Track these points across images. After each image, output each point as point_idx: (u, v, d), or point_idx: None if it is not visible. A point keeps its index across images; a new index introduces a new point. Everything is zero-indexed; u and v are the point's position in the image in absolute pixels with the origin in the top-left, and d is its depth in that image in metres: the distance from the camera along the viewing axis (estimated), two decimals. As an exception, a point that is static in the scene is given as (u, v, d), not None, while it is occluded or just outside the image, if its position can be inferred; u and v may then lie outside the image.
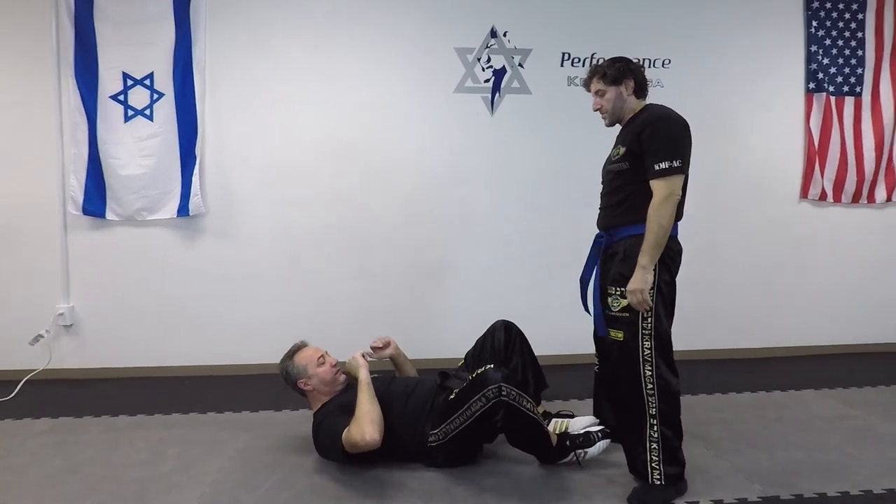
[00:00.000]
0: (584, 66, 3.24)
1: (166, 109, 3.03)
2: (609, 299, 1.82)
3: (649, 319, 1.73)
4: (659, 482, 1.70)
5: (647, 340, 1.73)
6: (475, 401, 1.76)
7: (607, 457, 1.93)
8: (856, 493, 1.74)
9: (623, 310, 1.76)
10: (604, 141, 3.12)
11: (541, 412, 2.03)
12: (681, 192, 1.73)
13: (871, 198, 3.41)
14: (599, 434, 1.94)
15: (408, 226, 3.22)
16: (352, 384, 2.06)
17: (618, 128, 2.02)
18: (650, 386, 1.71)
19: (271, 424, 2.39)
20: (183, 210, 3.03)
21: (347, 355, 2.11)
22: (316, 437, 1.96)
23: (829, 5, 3.31)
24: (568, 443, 1.92)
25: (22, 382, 2.89)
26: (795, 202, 3.42)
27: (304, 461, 2.01)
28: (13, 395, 2.77)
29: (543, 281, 3.30)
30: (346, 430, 1.81)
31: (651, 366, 1.72)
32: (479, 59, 3.19)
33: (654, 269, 1.71)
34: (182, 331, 3.14)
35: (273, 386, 2.87)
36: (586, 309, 2.09)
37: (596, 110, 1.99)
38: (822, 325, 3.46)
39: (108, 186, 3.01)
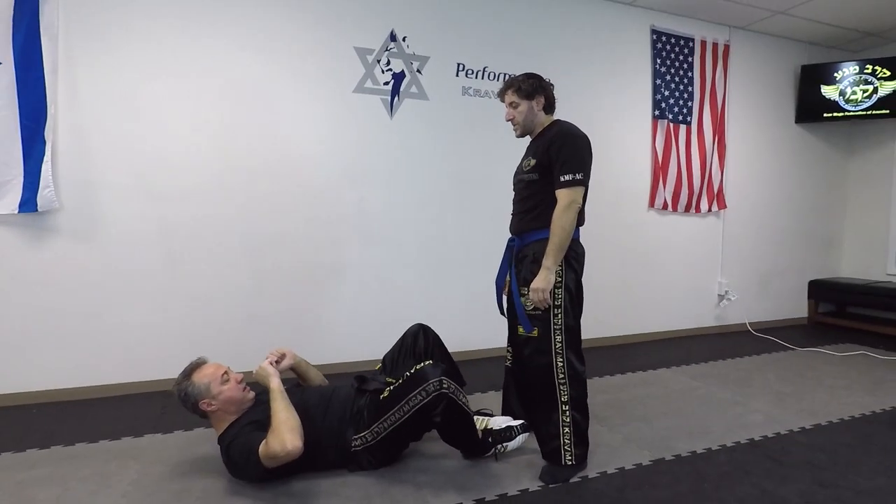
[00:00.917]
0: (476, 78, 3.44)
1: (3, 82, 2.49)
2: (522, 299, 1.98)
3: (559, 315, 1.92)
4: (570, 462, 1.90)
5: (558, 334, 1.92)
6: (414, 395, 1.78)
7: (525, 445, 2.09)
8: (716, 448, 2.14)
9: (535, 308, 1.93)
10: (495, 150, 3.43)
11: None
12: (582, 201, 1.95)
13: (697, 208, 4.17)
14: (519, 428, 2.09)
15: (301, 225, 3.08)
16: (261, 399, 1.94)
17: (522, 139, 2.18)
18: (561, 375, 1.91)
19: (164, 449, 2.12)
20: (28, 205, 2.51)
21: (234, 365, 1.99)
22: (228, 458, 1.80)
23: (668, 47, 3.98)
24: (490, 438, 2.03)
25: None
26: (645, 210, 4.03)
27: (216, 484, 1.83)
28: None
29: (435, 282, 3.41)
30: (263, 444, 1.70)
31: (562, 357, 1.92)
32: (378, 61, 3.19)
33: (559, 270, 1.91)
34: (27, 350, 2.60)
35: (151, 406, 2.59)
36: (501, 311, 2.23)
37: (508, 120, 2.11)
38: (666, 313, 4.12)
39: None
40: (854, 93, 4.30)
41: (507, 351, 2.27)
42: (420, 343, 2.21)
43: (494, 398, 2.57)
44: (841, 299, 4.65)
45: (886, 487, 1.84)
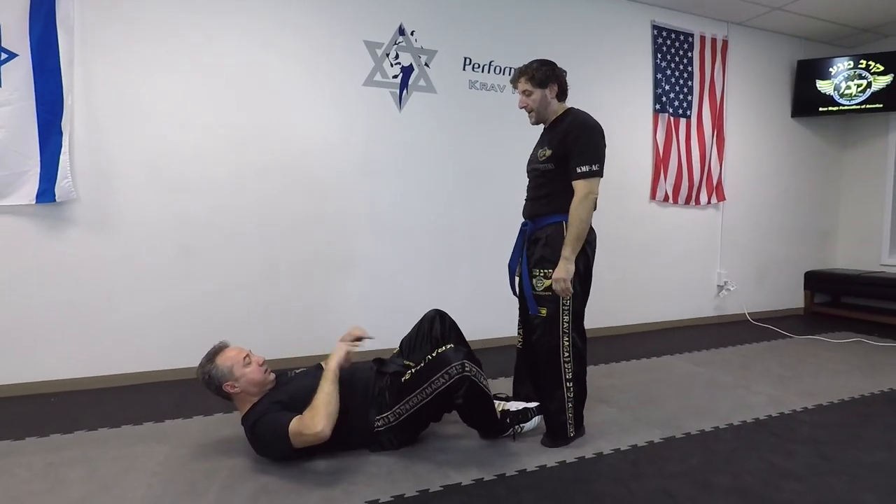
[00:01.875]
0: (483, 71, 3.50)
1: (20, 73, 2.51)
2: (534, 280, 2.05)
3: (569, 298, 2.00)
4: (572, 434, 2.03)
5: (566, 316, 2.00)
6: (437, 378, 1.84)
7: (541, 425, 2.15)
8: (723, 426, 2.21)
9: (546, 289, 2.01)
10: (502, 143, 3.49)
11: None
12: (597, 192, 2.02)
13: (697, 200, 4.25)
14: (535, 410, 2.15)
15: (312, 217, 3.12)
16: (281, 381, 2.01)
17: (529, 130, 2.23)
18: (567, 354, 2.00)
19: (186, 432, 2.16)
20: (46, 195, 2.54)
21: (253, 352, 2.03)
22: (254, 435, 1.85)
23: (668, 42, 4.05)
24: (508, 419, 2.10)
25: None
26: (646, 203, 4.11)
27: (244, 463, 1.88)
28: None
29: (445, 272, 3.47)
30: (296, 418, 1.76)
31: (569, 337, 2.00)
32: (387, 55, 3.24)
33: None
34: (45, 340, 2.63)
35: (170, 393, 2.63)
36: (514, 293, 2.30)
37: (522, 108, 2.16)
38: (666, 304, 4.21)
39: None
40: (848, 87, 4.41)
41: (519, 333, 2.33)
42: (437, 328, 2.26)
43: (504, 384, 2.63)
44: (836, 289, 4.76)
45: (886, 461, 1.92)
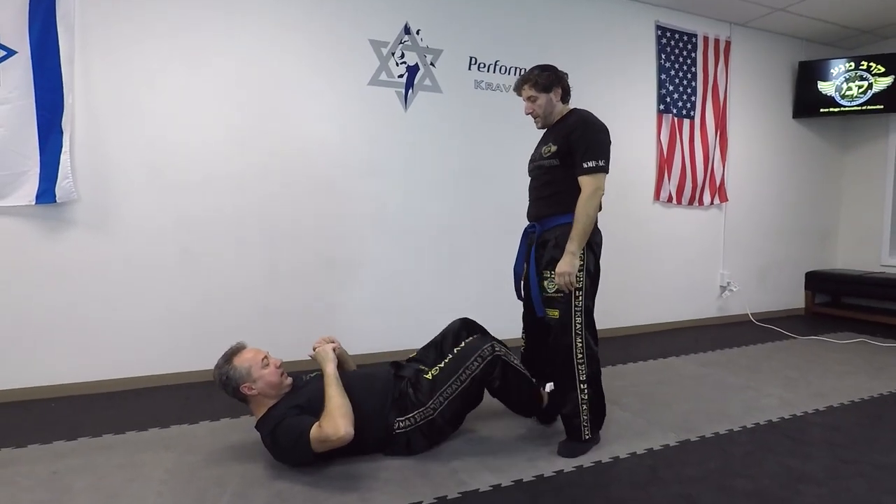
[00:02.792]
0: (488, 71, 3.48)
1: (19, 71, 2.45)
2: (545, 282, 2.03)
3: (580, 298, 1.97)
4: (588, 437, 1.98)
5: (578, 316, 1.98)
6: (471, 363, 1.88)
7: (558, 427, 2.13)
8: (737, 429, 2.20)
9: (557, 290, 1.98)
10: (507, 142, 3.46)
11: None
12: (604, 188, 2.00)
13: (700, 201, 4.25)
14: None
15: (316, 217, 3.08)
16: (297, 385, 1.98)
17: (531, 131, 2.22)
18: (580, 356, 1.97)
19: (193, 438, 2.12)
20: (47, 196, 2.48)
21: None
22: (273, 440, 1.81)
23: (672, 43, 4.05)
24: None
25: None
26: (650, 203, 4.10)
27: (255, 470, 1.84)
28: None
29: (449, 273, 3.44)
30: (315, 427, 1.73)
31: (581, 338, 1.98)
32: (393, 54, 3.20)
33: (581, 254, 1.96)
34: (44, 344, 2.57)
35: (174, 397, 2.58)
36: (519, 296, 2.27)
37: (528, 114, 2.15)
38: (670, 304, 4.20)
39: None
40: (849, 88, 4.42)
41: (522, 337, 2.31)
42: (463, 335, 2.21)
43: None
44: (836, 290, 4.78)
45: (904, 462, 1.92)
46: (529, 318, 2.22)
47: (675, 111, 4.07)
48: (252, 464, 1.88)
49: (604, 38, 3.82)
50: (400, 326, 3.27)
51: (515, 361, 1.96)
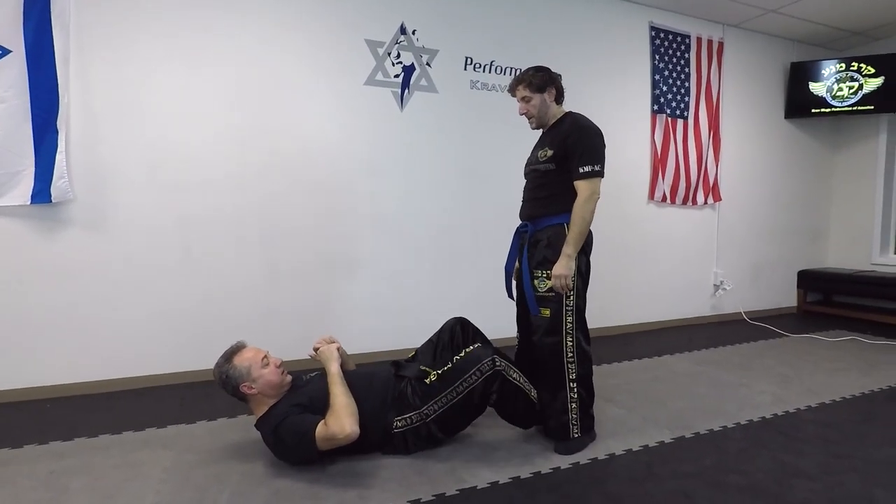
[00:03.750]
0: (484, 71, 3.49)
1: (14, 70, 2.44)
2: (536, 281, 2.05)
3: (572, 297, 2.00)
4: (577, 435, 1.99)
5: (569, 315, 2.00)
6: (469, 376, 1.86)
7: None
8: (731, 426, 2.23)
9: (549, 290, 2.00)
10: (503, 143, 3.48)
11: None
12: (600, 192, 2.02)
13: (694, 201, 4.28)
14: None
15: (314, 217, 3.08)
16: (297, 384, 1.99)
17: (529, 132, 2.24)
18: (570, 354, 1.99)
19: (191, 437, 2.12)
20: (42, 195, 2.47)
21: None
22: (276, 439, 1.81)
23: (666, 44, 4.08)
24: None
25: None
26: (644, 203, 4.13)
27: (254, 468, 1.85)
28: None
29: (447, 273, 3.45)
30: (321, 425, 1.74)
31: (572, 337, 2.00)
32: (389, 54, 3.21)
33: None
34: (40, 345, 2.56)
35: (172, 397, 2.58)
36: (510, 295, 2.29)
37: (522, 114, 2.17)
38: (664, 303, 4.24)
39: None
40: (840, 89, 4.48)
41: (517, 336, 2.32)
42: (458, 336, 2.22)
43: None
44: (828, 288, 4.83)
45: (894, 457, 1.94)
46: (523, 317, 2.23)
47: (668, 111, 4.10)
48: (250, 463, 1.88)
49: (598, 38, 3.85)
50: (399, 325, 3.28)
51: (514, 376, 1.95)
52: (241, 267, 2.92)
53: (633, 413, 2.37)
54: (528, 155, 2.23)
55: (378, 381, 1.99)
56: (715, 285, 4.44)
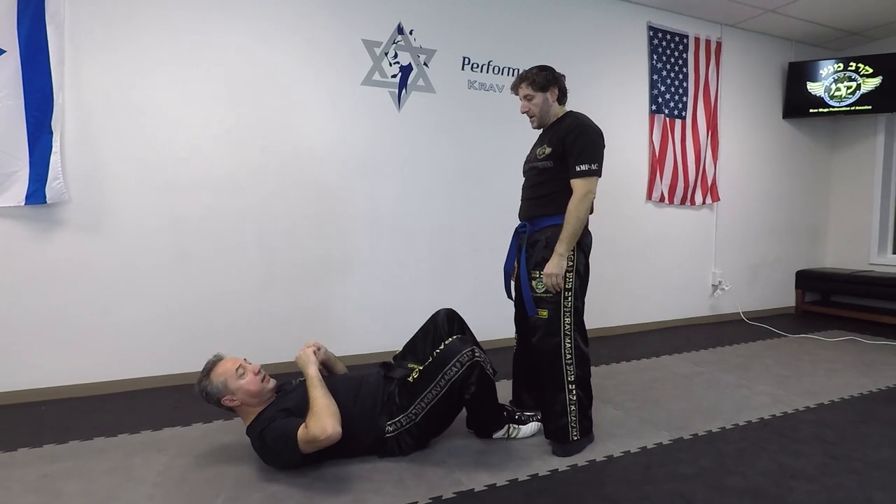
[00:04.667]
0: (482, 71, 3.48)
1: (8, 71, 2.43)
2: (533, 282, 2.03)
3: (570, 298, 1.98)
4: (576, 437, 1.98)
5: (567, 317, 1.98)
6: (448, 368, 1.84)
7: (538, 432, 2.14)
8: (729, 427, 2.22)
9: (546, 290, 1.98)
10: (501, 143, 3.47)
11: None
12: (596, 191, 2.01)
13: (692, 201, 4.28)
14: (535, 416, 2.16)
15: (310, 218, 3.07)
16: (285, 389, 1.98)
17: (527, 131, 2.23)
18: (569, 356, 1.98)
19: (186, 441, 2.10)
20: (36, 196, 2.46)
21: (251, 357, 2.00)
22: (263, 444, 1.80)
23: (664, 44, 4.07)
24: (506, 413, 2.10)
25: None
26: (642, 203, 4.12)
27: (248, 472, 1.83)
28: None
29: (444, 273, 3.44)
30: (301, 428, 1.72)
31: (570, 338, 1.98)
32: (386, 54, 3.20)
33: (570, 255, 1.97)
34: (35, 347, 2.55)
35: (167, 400, 2.57)
36: (509, 295, 2.28)
37: (524, 113, 2.15)
38: (662, 303, 4.23)
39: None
40: (838, 89, 4.47)
41: (515, 337, 2.31)
42: (444, 328, 2.21)
43: (502, 386, 2.59)
44: (826, 288, 4.82)
45: (893, 458, 1.94)
46: (521, 318, 2.22)
47: (666, 111, 4.10)
48: (245, 466, 1.87)
49: (597, 38, 3.84)
50: (395, 326, 3.26)
51: (490, 369, 1.94)
52: (236, 268, 2.91)
53: (632, 414, 2.36)
54: (527, 154, 2.22)
55: (367, 386, 1.98)
56: (713, 285, 4.43)
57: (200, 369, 1.93)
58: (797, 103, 4.62)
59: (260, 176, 2.94)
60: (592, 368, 2.10)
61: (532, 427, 2.13)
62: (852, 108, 4.46)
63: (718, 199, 4.38)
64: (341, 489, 1.71)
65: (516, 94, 2.15)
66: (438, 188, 3.39)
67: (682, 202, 4.24)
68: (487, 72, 3.49)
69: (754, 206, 4.63)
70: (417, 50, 3.28)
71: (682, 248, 4.30)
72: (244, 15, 2.85)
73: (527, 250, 2.09)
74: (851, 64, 4.41)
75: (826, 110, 4.54)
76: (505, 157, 3.43)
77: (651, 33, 4.01)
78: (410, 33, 3.25)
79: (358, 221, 3.19)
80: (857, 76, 4.39)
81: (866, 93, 4.38)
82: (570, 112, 2.12)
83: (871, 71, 4.35)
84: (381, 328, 3.27)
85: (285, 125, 2.98)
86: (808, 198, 4.93)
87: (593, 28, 3.82)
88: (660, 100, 4.05)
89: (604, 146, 2.03)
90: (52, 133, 2.49)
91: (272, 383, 1.94)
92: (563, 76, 2.15)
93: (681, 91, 4.14)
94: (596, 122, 2.05)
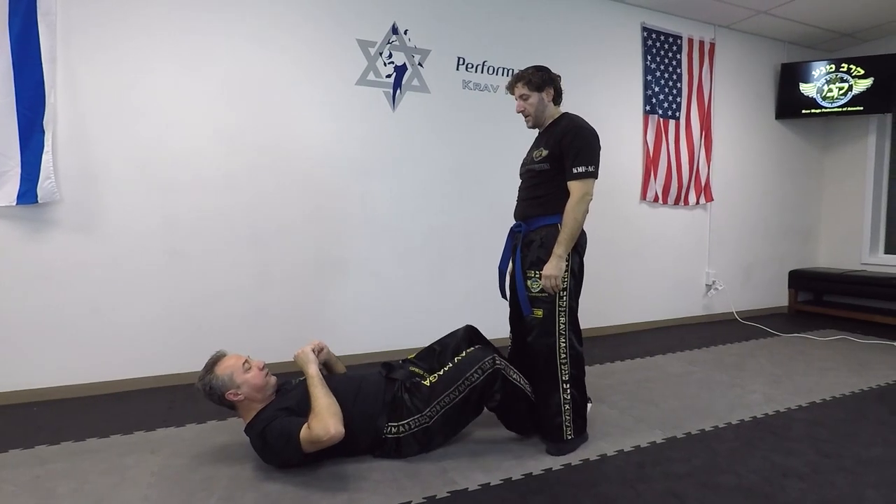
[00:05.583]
0: (476, 72, 3.48)
1: (0, 69, 2.41)
2: (528, 282, 2.04)
3: (564, 298, 1.99)
4: (570, 436, 1.99)
5: (562, 316, 1.99)
6: (471, 374, 1.86)
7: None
8: (722, 426, 2.23)
9: (541, 290, 1.99)
10: (495, 143, 3.48)
11: None
12: (593, 193, 2.02)
13: (686, 201, 4.30)
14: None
15: (305, 218, 3.07)
16: (285, 388, 1.97)
17: (523, 132, 2.24)
18: (563, 356, 1.99)
19: (180, 441, 2.09)
20: (27, 196, 2.44)
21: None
22: (263, 442, 1.79)
23: (658, 44, 4.09)
24: None
25: None
26: (637, 203, 4.14)
27: (243, 472, 1.83)
28: None
29: (439, 274, 3.44)
30: (304, 428, 1.72)
31: (565, 338, 1.99)
32: (380, 54, 3.20)
33: (568, 257, 1.98)
34: (27, 347, 2.53)
35: (160, 401, 2.56)
36: (503, 295, 2.28)
37: (519, 112, 2.16)
38: (656, 303, 4.25)
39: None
40: (830, 90, 4.51)
41: (509, 337, 2.31)
42: (465, 343, 2.19)
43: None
44: (818, 288, 4.85)
45: (884, 456, 1.95)
46: (515, 317, 2.23)
47: (660, 112, 4.11)
48: (240, 466, 1.86)
49: (591, 39, 3.85)
50: (390, 326, 3.27)
51: (515, 376, 1.95)
52: (230, 268, 2.90)
53: (625, 414, 2.37)
54: (522, 156, 2.23)
55: (368, 385, 1.98)
56: (707, 285, 4.45)
57: (195, 369, 1.93)
58: (790, 104, 4.65)
59: (254, 175, 2.93)
60: (587, 368, 2.11)
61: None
62: (844, 109, 4.49)
63: (712, 200, 4.40)
64: (336, 488, 1.71)
65: (512, 93, 2.15)
66: (433, 188, 3.39)
67: (676, 202, 4.25)
68: (482, 72, 3.49)
69: (747, 206, 4.66)
70: (412, 50, 3.28)
71: (675, 248, 4.32)
72: (239, 14, 2.85)
73: (522, 250, 2.10)
74: (843, 65, 4.44)
75: (818, 111, 4.58)
76: (499, 157, 3.44)
77: (645, 34, 4.02)
78: (405, 33, 3.25)
79: (352, 221, 3.18)
80: (849, 77, 4.43)
81: (858, 94, 4.42)
82: (566, 114, 2.13)
83: (862, 72, 4.38)
84: (375, 328, 3.27)
85: (280, 125, 2.98)
86: (801, 198, 4.97)
87: (587, 29, 3.83)
88: (654, 100, 4.07)
89: (600, 148, 2.04)
90: (43, 132, 2.48)
91: (274, 380, 1.95)
92: (559, 77, 2.16)
93: (674, 92, 4.16)
94: (590, 123, 2.05)
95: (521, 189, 2.20)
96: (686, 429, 2.20)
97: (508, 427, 2.08)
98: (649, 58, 4.06)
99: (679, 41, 4.16)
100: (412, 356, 2.24)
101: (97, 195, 2.62)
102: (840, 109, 4.50)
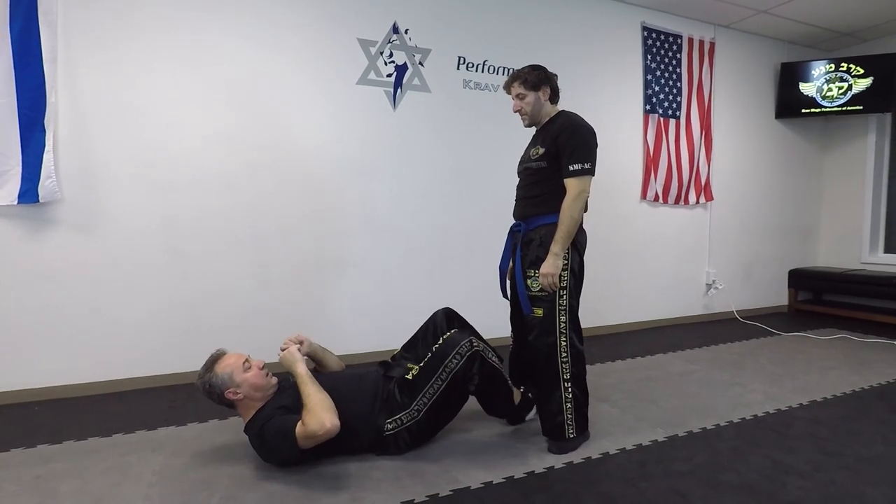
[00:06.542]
0: (477, 71, 3.49)
1: (1, 68, 2.40)
2: (528, 281, 2.04)
3: (564, 296, 1.99)
4: (573, 435, 1.99)
5: (563, 315, 1.99)
6: (449, 361, 1.86)
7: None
8: (724, 424, 2.23)
9: (541, 289, 1.99)
10: (496, 142, 3.48)
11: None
12: (589, 190, 2.02)
13: (686, 200, 4.30)
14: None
15: (305, 217, 3.07)
16: (284, 385, 1.97)
17: (522, 131, 2.24)
18: (564, 354, 1.99)
19: (181, 440, 2.09)
20: (28, 195, 2.44)
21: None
22: (261, 441, 1.80)
23: (658, 44, 4.10)
24: (531, 394, 2.15)
25: None
26: (637, 203, 4.14)
27: (245, 471, 1.83)
28: None
29: (439, 273, 3.44)
30: (299, 425, 1.72)
31: (566, 337, 1.99)
32: (381, 53, 3.20)
33: (566, 255, 1.98)
34: (27, 347, 2.53)
35: (162, 399, 2.56)
36: (504, 295, 2.29)
37: (516, 111, 2.16)
38: (656, 302, 4.25)
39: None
40: (830, 90, 4.51)
41: (510, 336, 2.32)
42: (442, 328, 2.21)
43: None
44: (818, 287, 4.86)
45: (885, 454, 1.96)
46: (516, 316, 2.23)
47: (661, 111, 4.12)
48: (241, 465, 1.86)
49: (591, 39, 3.85)
50: (390, 326, 3.26)
51: (492, 358, 1.97)
52: (231, 267, 2.90)
53: (627, 412, 2.37)
54: (521, 154, 2.23)
55: (366, 383, 1.98)
56: (707, 284, 4.46)
57: (195, 368, 1.93)
58: (789, 103, 4.66)
59: (254, 175, 2.93)
60: (588, 367, 2.11)
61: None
62: (844, 109, 4.50)
63: (712, 199, 4.41)
64: (338, 487, 1.71)
65: (508, 92, 2.16)
66: (433, 187, 3.39)
67: (676, 202, 4.26)
68: (482, 71, 3.49)
69: (747, 205, 4.67)
70: (413, 49, 3.28)
71: (676, 248, 4.32)
72: (239, 14, 2.85)
73: (521, 249, 2.10)
74: (843, 65, 4.45)
75: (818, 110, 4.59)
76: (500, 156, 3.44)
77: (645, 33, 4.03)
78: (406, 33, 3.25)
79: (352, 221, 3.19)
80: (849, 77, 4.43)
81: (857, 93, 4.42)
82: (563, 111, 2.13)
83: (862, 71, 4.39)
84: (375, 327, 3.27)
85: (280, 124, 2.98)
86: (801, 197, 4.97)
87: (588, 28, 3.83)
88: (654, 100, 4.07)
89: (596, 145, 2.04)
90: (44, 131, 2.47)
91: (274, 380, 1.95)
92: (556, 76, 2.16)
93: (675, 91, 4.17)
94: (590, 122, 2.05)
95: (519, 187, 2.20)
96: (687, 427, 2.20)
97: (490, 413, 2.12)
98: (649, 57, 4.06)
99: (679, 40, 4.16)
100: (397, 352, 2.25)
101: (97, 195, 2.61)
102: (840, 109, 4.51)
